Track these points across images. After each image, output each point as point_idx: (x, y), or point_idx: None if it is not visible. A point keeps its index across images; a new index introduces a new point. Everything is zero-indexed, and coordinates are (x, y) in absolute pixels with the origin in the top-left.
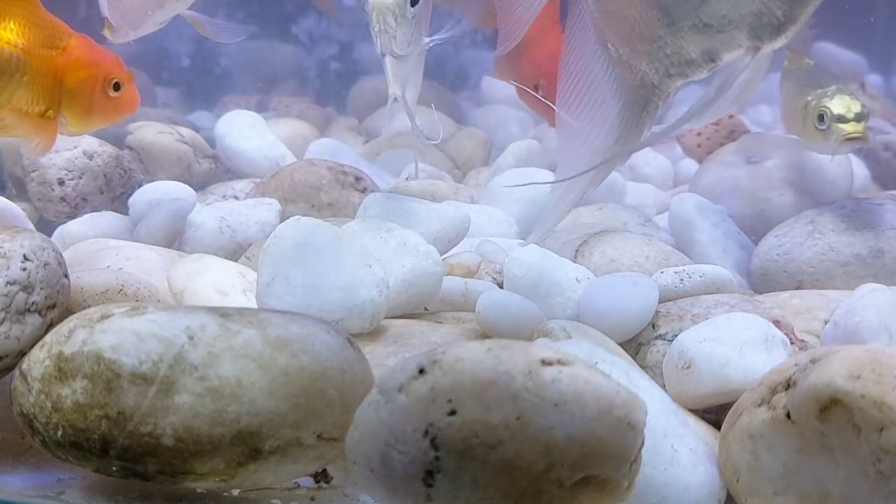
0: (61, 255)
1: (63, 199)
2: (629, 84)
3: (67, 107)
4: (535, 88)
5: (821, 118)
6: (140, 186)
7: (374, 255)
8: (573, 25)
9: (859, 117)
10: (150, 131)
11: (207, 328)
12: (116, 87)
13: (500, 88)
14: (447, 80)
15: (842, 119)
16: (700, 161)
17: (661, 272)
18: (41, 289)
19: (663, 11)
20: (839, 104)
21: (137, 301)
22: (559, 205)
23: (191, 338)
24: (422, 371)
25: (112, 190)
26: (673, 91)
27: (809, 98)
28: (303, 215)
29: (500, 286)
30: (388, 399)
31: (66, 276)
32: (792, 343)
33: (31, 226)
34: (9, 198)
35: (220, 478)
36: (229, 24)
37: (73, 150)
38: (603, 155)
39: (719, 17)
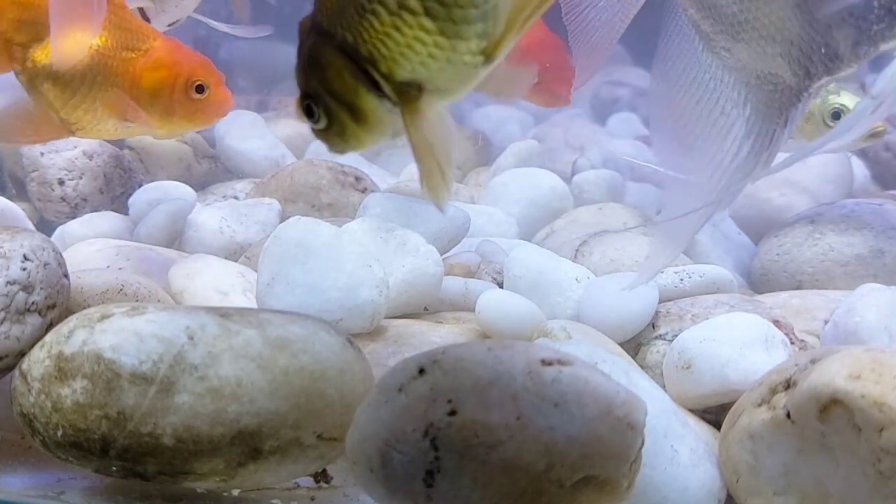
0: (61, 255)
1: (63, 199)
2: (759, 91)
3: (148, 109)
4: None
5: (836, 115)
6: (140, 186)
7: (374, 255)
8: (666, 40)
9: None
10: None
11: (207, 328)
12: (200, 89)
13: None
14: None
15: None
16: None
17: (661, 272)
18: (41, 289)
19: (803, 4)
20: (851, 100)
21: (137, 301)
22: (676, 240)
23: (191, 338)
24: (422, 371)
25: (112, 190)
26: (814, 92)
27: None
28: (303, 215)
29: (500, 286)
30: (388, 399)
31: (66, 275)
32: (792, 343)
33: (31, 226)
34: (9, 198)
35: (220, 478)
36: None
37: (73, 150)
38: (730, 177)
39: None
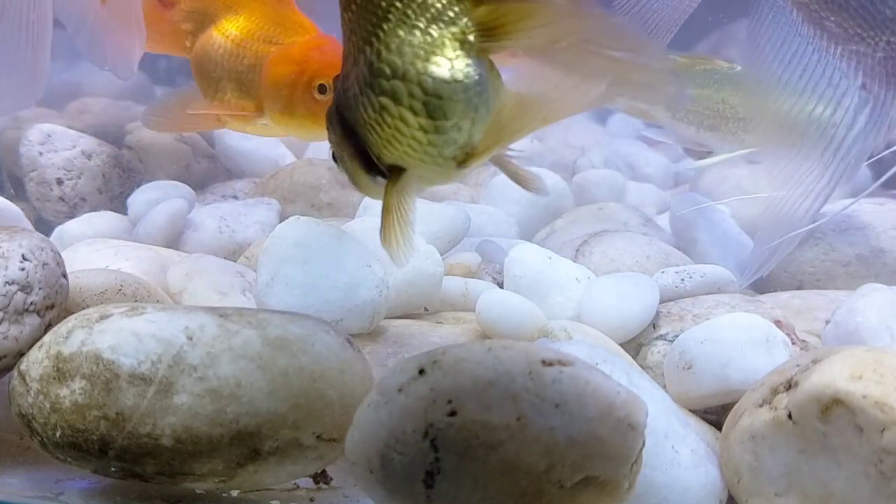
0: (60, 255)
1: (62, 198)
2: (871, 58)
3: (268, 104)
4: None
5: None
6: (139, 186)
7: (374, 255)
8: (759, 18)
9: None
10: (150, 131)
11: (206, 328)
12: (323, 89)
13: None
14: None
15: None
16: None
17: (662, 272)
18: (40, 289)
19: None
20: None
21: (136, 301)
22: (798, 221)
23: (190, 338)
24: (422, 371)
25: (111, 189)
26: None
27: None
28: (302, 215)
29: (500, 286)
30: (387, 399)
31: (64, 276)
32: (793, 343)
33: (29, 225)
34: (7, 197)
35: (220, 479)
36: None
37: (71, 149)
38: (848, 149)
39: None
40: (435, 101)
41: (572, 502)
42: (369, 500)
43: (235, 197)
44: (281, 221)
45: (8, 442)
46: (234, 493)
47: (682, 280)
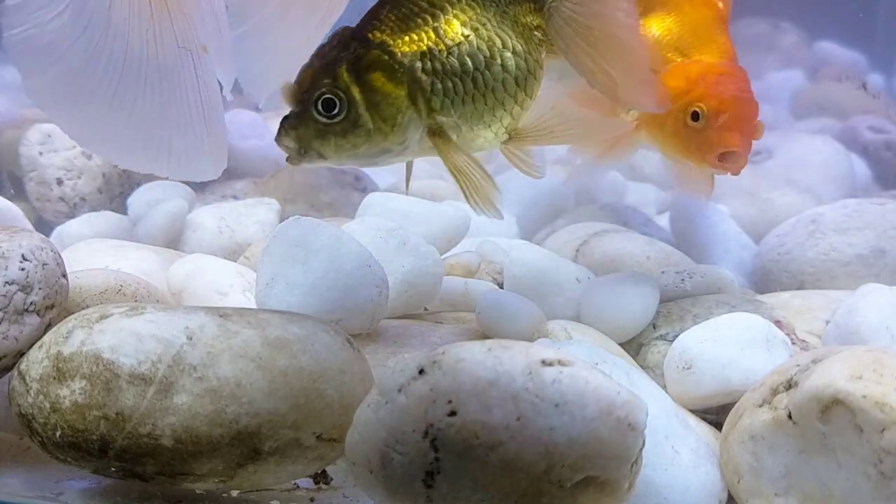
0: (60, 255)
1: (62, 198)
2: None
3: (647, 120)
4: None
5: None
6: (139, 186)
7: (374, 255)
8: None
9: None
10: None
11: (206, 328)
12: (695, 116)
13: None
14: None
15: None
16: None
17: (662, 272)
18: (40, 289)
19: None
20: None
21: (136, 301)
22: None
23: (190, 338)
24: (422, 371)
25: (111, 190)
26: None
27: None
28: (302, 215)
29: (501, 286)
30: (387, 400)
31: (64, 276)
32: (793, 343)
33: (29, 226)
34: (7, 198)
35: (220, 479)
36: None
37: (71, 149)
38: None
39: None
40: (522, 78)
41: (572, 502)
42: (369, 500)
43: (235, 197)
44: (281, 221)
45: (8, 442)
46: (234, 493)
47: (682, 280)
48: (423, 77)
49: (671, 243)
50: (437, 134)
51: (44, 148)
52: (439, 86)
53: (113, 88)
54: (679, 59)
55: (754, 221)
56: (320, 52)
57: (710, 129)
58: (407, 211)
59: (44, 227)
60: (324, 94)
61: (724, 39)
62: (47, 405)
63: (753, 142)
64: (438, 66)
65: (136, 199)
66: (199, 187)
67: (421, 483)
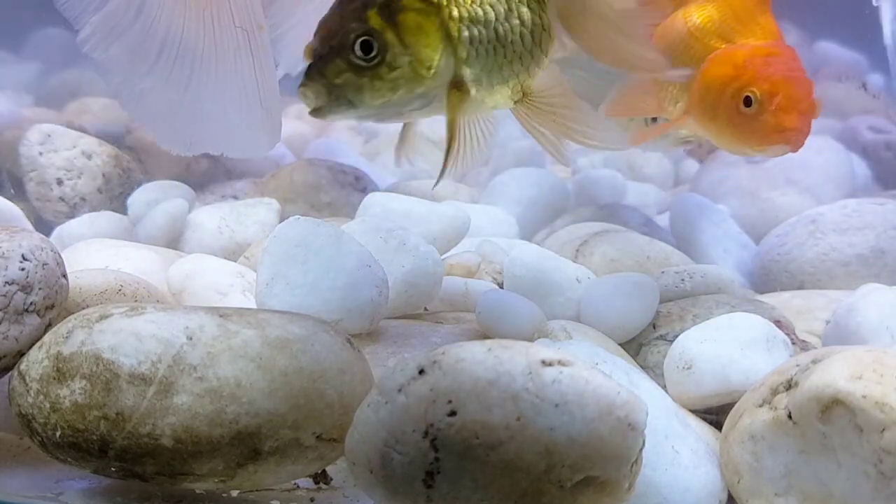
0: (60, 255)
1: (62, 198)
2: None
3: (694, 105)
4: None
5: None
6: (139, 186)
7: (374, 255)
8: None
9: None
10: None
11: (206, 328)
12: (748, 102)
13: None
14: None
15: None
16: (701, 161)
17: (662, 272)
18: (40, 289)
19: None
20: None
21: (136, 301)
22: None
23: (190, 338)
24: (421, 371)
25: (111, 190)
26: None
27: None
28: (302, 215)
29: (501, 286)
30: (387, 400)
31: (64, 276)
32: (793, 343)
33: (29, 226)
34: (7, 197)
35: (220, 479)
36: None
37: (71, 149)
38: None
39: None
40: (538, 33)
41: (572, 502)
42: (369, 500)
43: (235, 197)
44: (281, 221)
45: (8, 442)
46: (234, 493)
47: (682, 280)
48: (452, 23)
49: (671, 243)
50: (457, 87)
51: (44, 148)
52: (466, 33)
53: (170, 66)
54: (723, 46)
55: (754, 221)
56: (343, 1)
57: (766, 112)
58: (407, 211)
59: (44, 227)
60: (360, 35)
61: (767, 20)
62: (47, 405)
63: (812, 120)
64: (465, 12)
65: (136, 199)
66: (199, 187)
67: (421, 483)
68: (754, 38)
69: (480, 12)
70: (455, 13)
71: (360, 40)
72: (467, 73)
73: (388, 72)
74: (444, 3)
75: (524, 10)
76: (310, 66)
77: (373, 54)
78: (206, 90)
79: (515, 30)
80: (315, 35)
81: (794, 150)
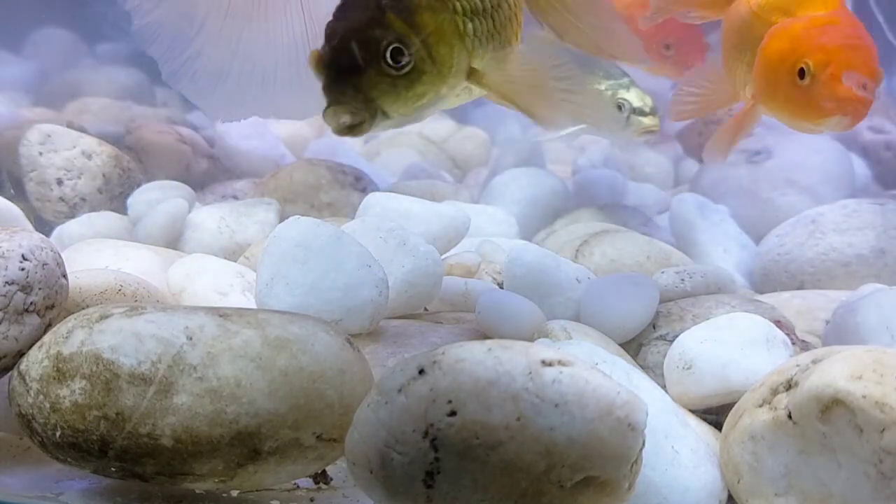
0: (60, 255)
1: (62, 198)
2: None
3: (757, 85)
4: (666, 48)
5: (619, 108)
6: (139, 186)
7: (374, 255)
8: None
9: (654, 111)
10: (149, 131)
11: (206, 328)
12: (801, 73)
13: None
14: None
15: (640, 112)
16: (701, 161)
17: (662, 272)
18: (40, 289)
19: None
20: (636, 97)
21: (136, 301)
22: None
23: (190, 338)
24: (421, 371)
25: (111, 190)
26: None
27: (604, 87)
28: (302, 215)
29: (500, 286)
30: (387, 400)
31: (64, 276)
32: (793, 343)
33: (29, 226)
34: (7, 198)
35: (220, 479)
36: None
37: (71, 149)
38: None
39: None
40: (516, 14)
41: (572, 502)
42: (369, 500)
43: (235, 197)
44: (281, 221)
45: (8, 442)
46: (234, 493)
47: (682, 280)
48: (458, 18)
49: (671, 243)
50: (472, 75)
51: (44, 148)
52: (471, 25)
53: (220, 23)
54: (781, 19)
55: (754, 221)
56: (350, 5)
57: (820, 83)
58: (407, 211)
59: (44, 227)
60: (392, 42)
61: None
62: (47, 405)
63: (875, 90)
64: (467, 5)
65: (136, 199)
66: (199, 187)
67: (421, 483)
68: (815, 9)
69: (478, 3)
70: (459, 6)
71: (391, 48)
72: (477, 63)
73: (419, 76)
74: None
75: None
76: (335, 81)
77: (404, 61)
78: (258, 48)
79: (506, 14)
80: (327, 44)
81: (856, 121)
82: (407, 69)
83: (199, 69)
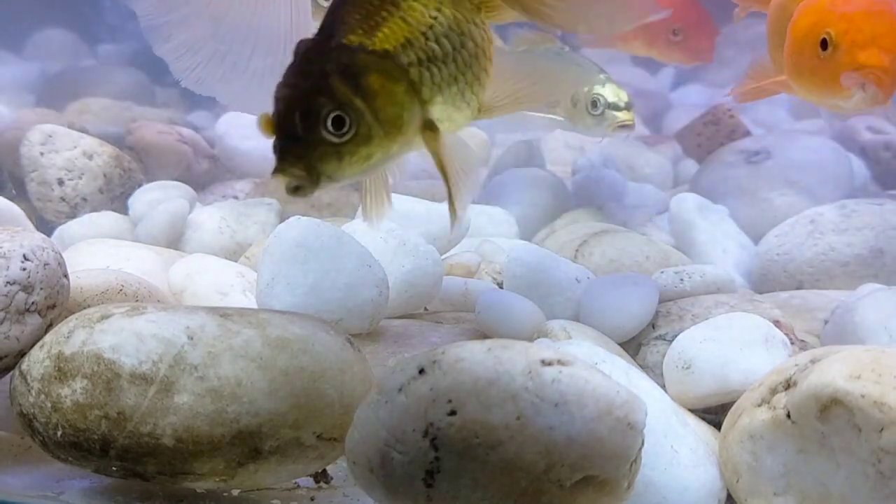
0: (61, 255)
1: (63, 199)
2: None
3: (787, 63)
4: (674, 34)
5: (594, 104)
6: (140, 186)
7: (374, 255)
8: None
9: (629, 106)
10: (150, 131)
11: (207, 328)
12: (824, 45)
13: None
14: None
15: (615, 107)
16: (700, 161)
17: (662, 272)
18: (41, 289)
19: None
20: (611, 92)
21: (137, 301)
22: None
23: (191, 338)
24: (422, 371)
25: (112, 190)
26: None
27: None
28: (303, 215)
29: (500, 286)
30: (387, 399)
31: (65, 276)
32: (792, 343)
33: (30, 226)
34: (8, 198)
35: (220, 478)
36: None
37: (72, 150)
38: None
39: None
40: (486, 48)
41: (572, 501)
42: (369, 499)
43: (236, 197)
44: (281, 222)
45: (9, 442)
46: (235, 492)
47: (682, 280)
48: (411, 69)
49: (671, 243)
50: (427, 127)
51: (45, 148)
52: (426, 74)
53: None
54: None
55: (753, 221)
56: (296, 71)
57: (841, 51)
58: (407, 211)
59: (45, 227)
60: (331, 111)
61: None
62: (48, 405)
63: None
64: (421, 54)
65: (137, 200)
66: (200, 187)
67: (421, 482)
68: None
69: (436, 48)
70: (412, 57)
71: (332, 116)
72: (435, 111)
73: (363, 141)
74: (400, 50)
75: (473, 28)
76: (282, 147)
77: (346, 128)
78: (263, 35)
79: (472, 52)
80: (275, 106)
81: (885, 95)
82: (349, 136)
83: (210, 62)
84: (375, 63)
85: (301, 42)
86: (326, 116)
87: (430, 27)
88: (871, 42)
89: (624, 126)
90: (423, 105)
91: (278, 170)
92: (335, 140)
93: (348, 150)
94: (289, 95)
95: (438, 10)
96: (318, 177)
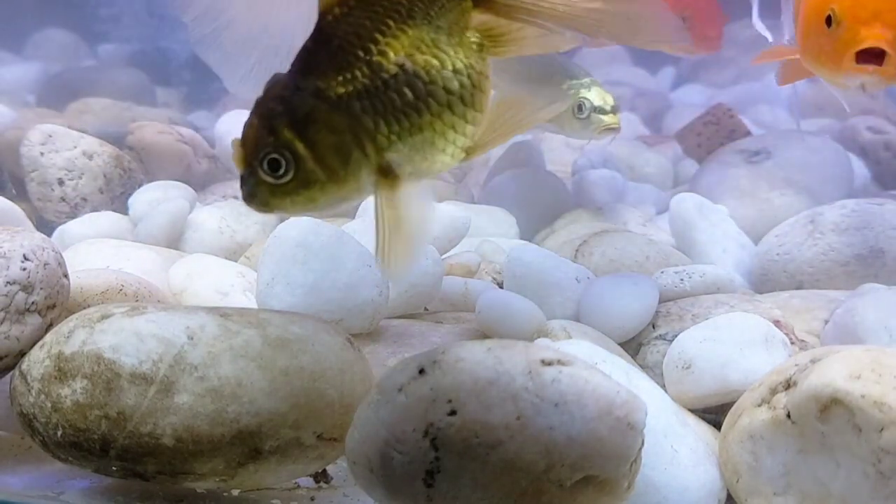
0: (61, 255)
1: (63, 198)
2: None
3: (800, 43)
4: (682, 21)
5: (580, 108)
6: (140, 186)
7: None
8: None
9: (615, 109)
10: (150, 131)
11: (207, 328)
12: (829, 22)
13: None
14: None
15: (600, 110)
16: (700, 161)
17: (662, 272)
18: (41, 289)
19: None
20: (597, 96)
21: (137, 301)
22: None
23: (191, 338)
24: (422, 371)
25: (112, 190)
26: None
27: (564, 87)
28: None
29: (500, 286)
30: (388, 399)
31: (65, 276)
32: (792, 343)
33: (30, 226)
34: (9, 198)
35: (220, 478)
36: None
37: (72, 150)
38: None
39: None
40: (469, 95)
41: (572, 501)
42: (369, 499)
43: (236, 197)
44: (281, 222)
45: (9, 441)
46: (235, 492)
47: (682, 280)
48: (365, 117)
49: (671, 243)
50: (386, 173)
51: (45, 148)
52: (383, 123)
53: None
54: None
55: (753, 221)
56: (258, 107)
57: (844, 28)
58: None
59: (45, 227)
60: (268, 154)
61: None
62: (48, 405)
63: None
64: (378, 103)
65: (137, 200)
66: (200, 187)
67: (421, 482)
68: None
69: (396, 98)
70: (367, 105)
71: (267, 159)
72: (394, 157)
73: (303, 185)
74: (354, 97)
75: (449, 75)
76: (241, 177)
77: (281, 171)
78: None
79: (442, 101)
80: (240, 140)
81: (890, 75)
82: (287, 178)
83: (234, 41)
84: (323, 109)
85: (272, 77)
86: (263, 158)
87: (395, 76)
88: (874, 18)
89: (609, 129)
90: (378, 153)
91: (241, 193)
92: (272, 181)
93: (290, 191)
94: (244, 132)
95: (411, 56)
96: (271, 209)
